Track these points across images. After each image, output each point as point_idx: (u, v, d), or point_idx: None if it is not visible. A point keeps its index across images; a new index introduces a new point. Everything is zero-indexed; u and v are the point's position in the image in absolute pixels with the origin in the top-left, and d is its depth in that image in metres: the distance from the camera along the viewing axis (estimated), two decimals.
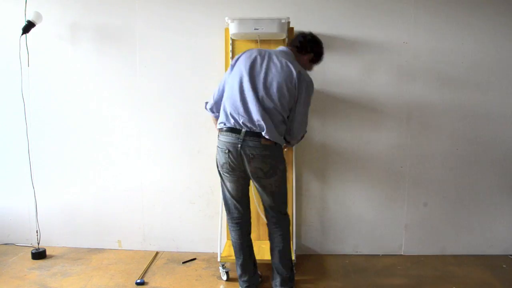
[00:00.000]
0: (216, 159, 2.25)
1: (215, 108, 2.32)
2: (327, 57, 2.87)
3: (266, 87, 2.14)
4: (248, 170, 2.17)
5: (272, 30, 2.58)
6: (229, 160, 2.16)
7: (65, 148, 3.06)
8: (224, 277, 2.62)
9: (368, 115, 2.92)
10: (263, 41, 2.77)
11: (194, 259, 2.94)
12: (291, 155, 2.81)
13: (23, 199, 3.07)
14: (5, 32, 2.95)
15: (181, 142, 2.99)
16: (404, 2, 2.84)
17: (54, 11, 2.94)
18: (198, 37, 2.91)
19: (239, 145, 2.12)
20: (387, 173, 2.96)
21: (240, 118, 2.12)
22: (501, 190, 2.97)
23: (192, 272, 2.74)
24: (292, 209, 2.78)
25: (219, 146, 2.20)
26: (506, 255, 2.98)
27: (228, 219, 2.39)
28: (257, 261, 2.52)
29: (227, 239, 2.91)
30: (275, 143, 2.16)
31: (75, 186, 3.09)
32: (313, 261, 2.90)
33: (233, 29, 2.61)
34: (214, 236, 2.92)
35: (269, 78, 2.15)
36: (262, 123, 2.09)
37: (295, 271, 2.57)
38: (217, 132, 2.27)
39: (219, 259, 2.63)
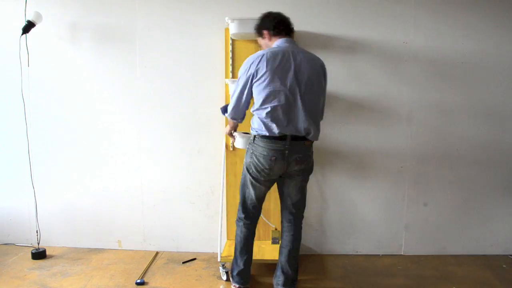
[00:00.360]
0: (254, 163, 2.19)
1: (239, 115, 2.28)
2: (327, 57, 2.88)
3: (307, 87, 2.16)
4: (289, 172, 2.21)
5: None
6: (273, 166, 2.16)
7: (65, 148, 3.06)
8: (224, 277, 2.62)
9: (368, 115, 2.92)
10: None
11: (194, 259, 2.94)
12: None
13: (23, 199, 3.07)
14: (5, 32, 2.96)
15: (181, 142, 3.00)
16: (404, 3, 2.84)
17: (54, 11, 2.94)
18: (198, 36, 2.91)
19: (286, 151, 2.15)
20: (387, 173, 2.96)
21: (286, 128, 2.13)
22: (501, 190, 2.97)
23: (192, 272, 2.74)
24: None
25: (262, 153, 2.15)
26: (506, 255, 2.98)
27: (241, 216, 2.37)
28: (258, 261, 2.53)
29: (227, 239, 2.91)
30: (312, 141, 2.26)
31: (75, 186, 3.09)
32: (313, 261, 2.90)
33: (233, 29, 2.61)
34: (214, 236, 2.92)
35: (305, 76, 2.15)
36: (309, 129, 2.16)
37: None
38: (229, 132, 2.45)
39: (219, 259, 2.63)
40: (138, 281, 2.57)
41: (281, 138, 2.13)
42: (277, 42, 2.25)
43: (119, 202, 3.08)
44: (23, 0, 2.86)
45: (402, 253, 3.03)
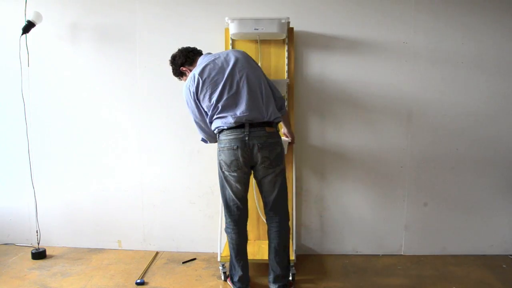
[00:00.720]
0: (221, 160, 2.25)
1: (212, 134, 2.34)
2: (327, 57, 2.88)
3: (241, 75, 2.22)
4: (256, 161, 2.22)
5: (272, 30, 2.58)
6: (238, 156, 2.19)
7: (65, 148, 3.06)
8: (223, 277, 2.62)
9: (368, 115, 2.92)
10: (263, 41, 2.77)
11: (194, 259, 2.94)
12: (291, 155, 2.82)
13: (23, 199, 3.07)
14: (5, 32, 2.96)
15: (181, 142, 3.00)
16: (404, 3, 2.84)
17: (54, 11, 2.94)
18: (198, 37, 2.91)
19: (247, 138, 2.17)
20: (387, 173, 2.96)
21: (237, 115, 2.18)
22: (501, 190, 2.97)
23: (192, 272, 2.74)
24: (292, 209, 2.78)
25: (225, 145, 2.22)
26: (506, 255, 2.98)
27: (228, 222, 2.38)
28: (258, 261, 2.53)
29: (227, 239, 2.91)
30: (277, 130, 2.27)
31: (75, 186, 3.09)
32: (313, 261, 2.90)
33: (233, 29, 2.61)
34: (214, 236, 2.92)
35: (235, 68, 2.22)
36: (253, 113, 2.19)
37: (293, 270, 2.57)
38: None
39: (219, 259, 2.63)
40: (138, 281, 2.57)
41: (238, 127, 2.19)
42: (198, 63, 2.38)
43: (119, 202, 3.08)
44: (23, 0, 2.86)
45: (402, 253, 3.03)
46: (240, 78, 2.20)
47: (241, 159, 2.19)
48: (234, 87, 2.20)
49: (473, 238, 3.00)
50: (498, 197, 2.97)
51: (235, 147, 2.18)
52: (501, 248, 3.01)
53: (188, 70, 2.43)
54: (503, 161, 2.95)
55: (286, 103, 2.55)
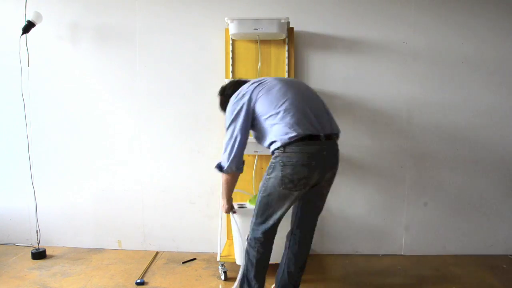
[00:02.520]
0: (287, 174, 1.90)
1: (241, 160, 2.07)
2: (327, 57, 2.88)
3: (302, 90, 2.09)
4: (324, 180, 2.02)
5: (272, 30, 2.58)
6: (314, 173, 1.93)
7: (65, 148, 3.06)
8: (223, 277, 2.62)
9: (368, 115, 2.92)
10: (263, 41, 2.77)
11: (194, 259, 2.94)
12: None
13: (23, 199, 3.07)
14: (5, 32, 2.96)
15: (181, 142, 2.99)
16: (404, 3, 2.84)
17: (54, 11, 2.94)
18: (198, 37, 2.91)
19: (324, 152, 1.94)
20: (387, 173, 2.96)
21: (314, 125, 1.95)
22: (501, 190, 2.97)
23: (192, 272, 2.74)
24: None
25: (296, 160, 1.89)
26: (506, 255, 2.98)
27: (260, 238, 2.06)
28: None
29: (227, 239, 2.91)
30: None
31: (75, 186, 3.09)
32: (313, 261, 2.89)
33: (233, 29, 2.61)
34: (214, 236, 2.92)
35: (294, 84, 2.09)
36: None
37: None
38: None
39: (218, 259, 2.63)
40: (138, 281, 2.57)
41: (313, 138, 1.92)
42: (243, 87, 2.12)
43: (119, 202, 3.08)
44: (23, 0, 2.86)
45: (402, 253, 3.03)
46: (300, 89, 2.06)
47: (316, 176, 1.95)
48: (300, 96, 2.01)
49: (473, 238, 3.00)
50: (498, 197, 2.97)
51: (310, 164, 1.90)
52: (501, 248, 3.00)
53: None
54: (503, 161, 2.95)
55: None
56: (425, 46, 2.87)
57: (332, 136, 2.01)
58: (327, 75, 2.90)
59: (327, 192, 2.14)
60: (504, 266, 2.84)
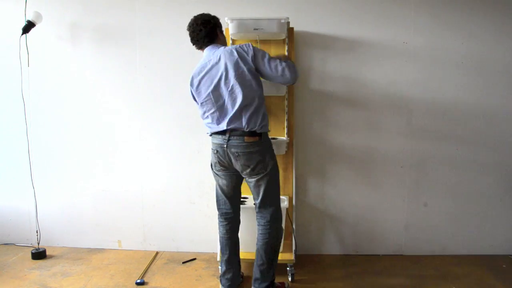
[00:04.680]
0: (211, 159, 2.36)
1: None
2: (328, 57, 2.88)
3: (226, 81, 2.19)
4: (237, 168, 2.25)
5: (271, 30, 2.58)
6: (220, 159, 2.27)
7: (65, 148, 3.06)
8: None
9: (368, 115, 2.92)
10: (263, 41, 2.77)
11: (194, 259, 2.94)
12: (291, 155, 2.82)
13: (23, 199, 3.07)
14: (5, 32, 2.96)
15: (181, 142, 2.99)
16: (404, 3, 2.84)
17: (54, 11, 2.94)
18: None
19: (225, 145, 2.21)
20: (387, 173, 2.96)
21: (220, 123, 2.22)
22: (501, 190, 2.97)
23: (192, 272, 2.74)
24: (292, 209, 2.78)
25: (211, 148, 2.32)
26: (506, 255, 2.98)
27: (218, 215, 2.44)
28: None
29: None
30: (259, 138, 2.20)
31: (75, 186, 3.09)
32: (313, 261, 2.90)
33: (233, 29, 2.61)
34: (214, 236, 2.91)
35: (222, 73, 2.19)
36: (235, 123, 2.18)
37: (293, 270, 2.59)
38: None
39: (218, 259, 2.62)
40: (138, 281, 2.57)
41: (221, 133, 2.23)
42: (203, 54, 2.34)
43: (119, 202, 3.08)
44: (23, 0, 2.86)
45: (402, 253, 3.03)
46: (227, 89, 2.18)
47: (224, 161, 2.27)
48: (220, 101, 2.21)
49: (473, 238, 3.00)
50: (498, 197, 2.97)
51: (215, 151, 2.27)
52: (501, 248, 3.00)
53: (222, 37, 2.38)
54: (503, 161, 2.95)
55: (291, 72, 2.24)
56: (425, 46, 2.86)
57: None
58: (327, 75, 2.90)
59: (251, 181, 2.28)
60: (504, 266, 2.84)
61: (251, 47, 2.20)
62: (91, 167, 3.06)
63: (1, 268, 2.76)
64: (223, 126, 2.21)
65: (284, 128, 2.84)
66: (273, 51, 2.80)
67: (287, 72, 2.20)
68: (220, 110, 2.22)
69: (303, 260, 2.87)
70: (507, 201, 2.98)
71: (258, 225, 2.32)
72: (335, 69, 2.89)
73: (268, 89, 2.72)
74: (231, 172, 2.31)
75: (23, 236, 3.14)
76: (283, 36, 2.69)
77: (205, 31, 2.30)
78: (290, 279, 2.59)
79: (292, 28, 2.78)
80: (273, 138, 2.79)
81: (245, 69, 2.16)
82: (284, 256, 2.64)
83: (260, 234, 2.30)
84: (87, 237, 3.12)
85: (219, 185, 2.39)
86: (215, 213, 2.94)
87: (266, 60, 2.20)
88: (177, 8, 2.91)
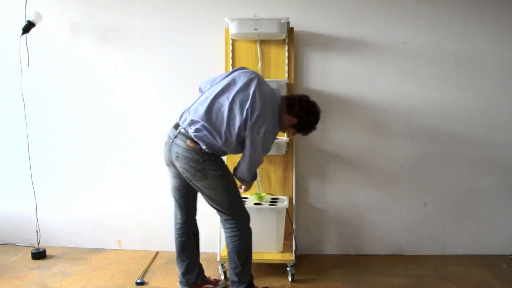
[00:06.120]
0: None
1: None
2: (328, 57, 2.88)
3: (223, 97, 2.07)
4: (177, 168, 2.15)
5: (271, 30, 2.58)
6: (165, 153, 2.19)
7: (65, 148, 3.06)
8: (223, 277, 2.62)
9: (368, 115, 2.92)
10: (263, 41, 2.77)
11: None
12: (291, 155, 2.82)
13: (23, 199, 3.07)
14: (5, 32, 2.96)
15: None
16: (404, 3, 2.84)
17: (54, 11, 2.94)
18: (198, 36, 2.91)
19: (171, 141, 2.12)
20: (387, 173, 2.96)
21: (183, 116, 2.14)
22: (501, 190, 2.97)
23: None
24: (292, 209, 2.79)
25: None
26: (506, 255, 2.98)
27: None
28: (257, 261, 2.52)
29: None
30: (203, 150, 2.06)
31: (75, 186, 3.09)
32: (313, 261, 2.90)
33: (233, 29, 2.61)
34: (214, 236, 2.91)
35: (230, 92, 2.06)
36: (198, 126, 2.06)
37: (292, 270, 2.58)
38: None
39: (218, 259, 2.63)
40: (138, 281, 2.57)
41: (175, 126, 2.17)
42: None
43: (119, 202, 3.07)
44: (23, 0, 2.86)
45: (402, 253, 3.03)
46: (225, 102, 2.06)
47: (166, 156, 2.19)
48: (207, 102, 2.10)
49: (473, 238, 3.00)
50: (497, 197, 2.97)
51: (164, 142, 2.19)
52: (501, 248, 3.00)
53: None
54: (503, 161, 2.95)
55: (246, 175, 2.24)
56: (425, 46, 2.86)
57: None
58: (327, 75, 2.90)
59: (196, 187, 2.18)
60: (504, 266, 2.84)
61: (263, 125, 2.02)
62: (91, 167, 3.06)
63: (1, 268, 2.76)
64: (181, 120, 2.14)
65: None
66: (273, 51, 2.80)
67: (245, 168, 2.15)
68: (196, 108, 2.12)
69: (303, 260, 2.87)
70: (507, 201, 2.98)
71: (223, 227, 2.27)
72: (335, 69, 2.88)
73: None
74: (174, 171, 2.21)
75: (23, 236, 3.14)
76: (283, 36, 2.69)
77: (292, 99, 2.18)
78: (290, 279, 2.59)
79: (292, 28, 2.78)
80: None
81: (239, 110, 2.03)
82: (284, 256, 2.65)
83: (227, 237, 2.24)
84: (87, 237, 3.12)
85: (171, 187, 2.30)
86: (215, 213, 2.94)
87: (252, 147, 2.06)
88: (177, 8, 2.90)
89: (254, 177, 2.32)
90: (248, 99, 2.03)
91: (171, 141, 2.12)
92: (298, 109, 2.14)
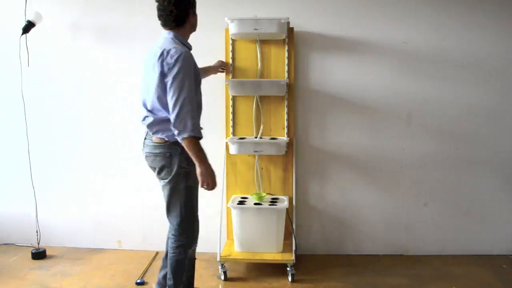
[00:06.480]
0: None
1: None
2: (327, 57, 2.88)
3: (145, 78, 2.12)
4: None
5: (271, 30, 2.58)
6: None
7: (65, 148, 3.06)
8: (222, 277, 2.62)
9: (368, 115, 2.92)
10: (263, 41, 2.77)
11: (194, 259, 2.93)
12: (291, 155, 2.82)
13: (23, 199, 3.07)
14: (5, 32, 2.96)
15: None
16: (404, 2, 2.84)
17: (54, 11, 2.94)
18: (198, 36, 2.88)
19: (143, 143, 2.17)
20: (387, 173, 2.96)
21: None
22: (501, 190, 2.97)
23: None
24: (292, 209, 2.79)
25: None
26: (506, 255, 2.98)
27: None
28: (257, 261, 2.52)
29: (227, 238, 2.92)
30: (168, 141, 2.02)
31: (75, 186, 3.09)
32: (313, 261, 2.90)
33: (233, 29, 2.61)
34: (214, 236, 2.91)
35: (147, 66, 2.12)
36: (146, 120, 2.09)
37: (293, 270, 2.58)
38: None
39: (218, 259, 2.63)
40: (138, 281, 2.57)
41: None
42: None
43: (119, 202, 3.08)
44: (23, 0, 2.86)
45: (402, 253, 3.03)
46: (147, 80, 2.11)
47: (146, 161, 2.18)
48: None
49: (473, 238, 3.00)
50: (498, 197, 2.97)
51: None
52: (501, 248, 3.00)
53: (193, 19, 2.17)
54: (503, 161, 2.95)
55: (187, 126, 1.95)
56: (425, 46, 2.86)
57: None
58: (327, 75, 2.90)
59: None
60: (504, 266, 2.84)
61: (178, 61, 1.99)
62: (91, 167, 3.06)
63: (1, 268, 2.76)
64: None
65: (284, 128, 2.84)
66: (273, 51, 2.80)
67: (183, 124, 1.94)
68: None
69: (303, 260, 2.87)
70: (506, 201, 2.98)
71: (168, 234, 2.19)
72: (335, 69, 2.88)
73: (268, 89, 2.73)
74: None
75: (23, 236, 3.14)
76: (283, 36, 2.69)
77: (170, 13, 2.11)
78: (290, 279, 2.59)
79: (292, 28, 2.78)
80: (273, 138, 2.80)
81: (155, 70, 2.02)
82: (284, 256, 2.65)
83: (169, 246, 2.17)
84: (87, 237, 3.12)
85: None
86: (215, 213, 2.96)
87: (177, 87, 1.94)
88: None
89: (199, 129, 2.07)
90: (156, 59, 2.03)
91: (143, 143, 2.17)
92: (184, 8, 2.11)
